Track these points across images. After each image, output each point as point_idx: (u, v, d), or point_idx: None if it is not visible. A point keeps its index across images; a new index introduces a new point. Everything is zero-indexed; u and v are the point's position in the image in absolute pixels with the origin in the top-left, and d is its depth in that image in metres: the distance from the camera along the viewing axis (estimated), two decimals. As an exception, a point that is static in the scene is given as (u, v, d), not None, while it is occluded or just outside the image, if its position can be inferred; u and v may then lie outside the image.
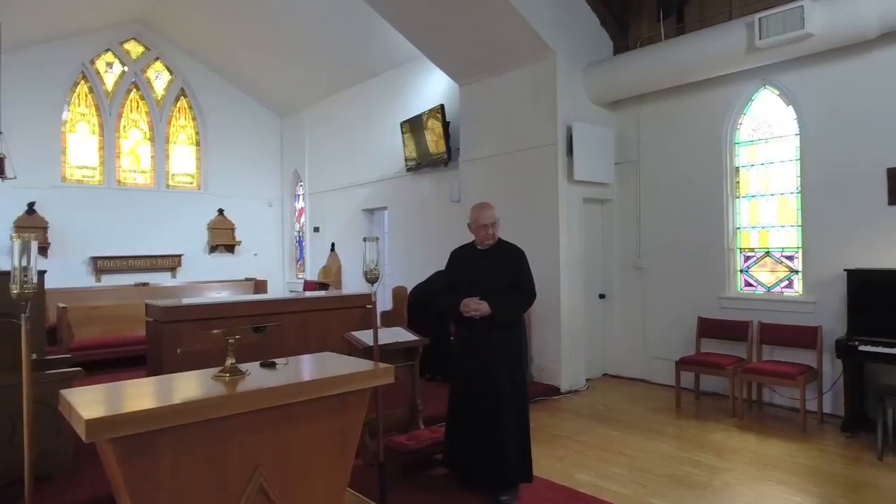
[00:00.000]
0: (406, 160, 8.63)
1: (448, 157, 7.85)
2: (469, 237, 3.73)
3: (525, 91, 6.52)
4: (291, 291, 10.81)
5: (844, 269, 4.85)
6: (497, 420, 3.39)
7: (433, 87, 8.43)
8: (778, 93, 5.61)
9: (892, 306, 4.49)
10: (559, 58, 6.22)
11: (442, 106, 7.86)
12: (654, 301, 6.47)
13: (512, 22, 6.01)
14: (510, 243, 3.69)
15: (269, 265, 11.98)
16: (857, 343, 4.51)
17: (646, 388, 6.20)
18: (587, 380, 6.41)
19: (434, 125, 7.98)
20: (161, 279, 10.31)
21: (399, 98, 9.11)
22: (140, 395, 2.16)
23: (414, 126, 8.36)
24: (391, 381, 2.64)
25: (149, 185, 11.03)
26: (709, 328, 5.81)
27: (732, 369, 5.21)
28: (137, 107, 10.96)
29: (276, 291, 11.14)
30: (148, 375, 4.20)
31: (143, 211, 10.68)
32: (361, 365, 2.70)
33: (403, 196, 9.01)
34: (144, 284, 9.21)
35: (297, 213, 12.30)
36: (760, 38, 5.06)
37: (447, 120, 7.80)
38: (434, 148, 8.06)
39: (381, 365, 2.69)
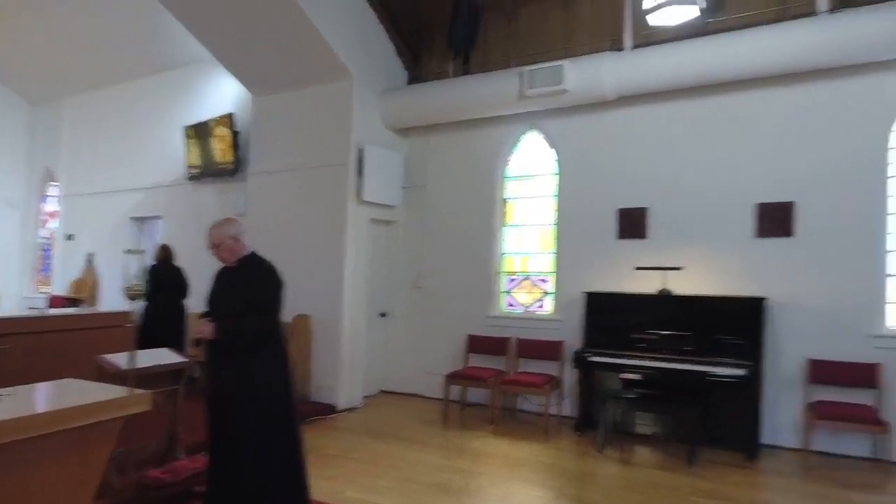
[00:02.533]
0: (188, 167, 8.03)
1: (236, 168, 7.49)
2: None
3: (321, 109, 6.56)
4: (30, 308, 9.19)
5: (583, 292, 5.74)
6: (227, 454, 3.15)
7: (223, 94, 8.00)
8: (543, 136, 6.46)
9: (615, 323, 5.43)
10: (355, 80, 6.39)
11: (231, 114, 7.51)
12: (431, 319, 6.90)
13: (311, 40, 6.03)
14: (261, 260, 3.34)
15: (1, 277, 10.07)
16: (588, 354, 5.35)
17: (419, 403, 6.56)
18: (364, 397, 6.56)
19: (223, 133, 7.57)
20: None
21: (183, 101, 8.45)
22: None
23: (200, 132, 7.83)
24: (147, 408, 2.45)
25: None
26: (476, 344, 6.39)
27: (493, 381, 5.79)
28: None
29: (8, 308, 9.32)
30: None
31: None
32: (111, 392, 2.46)
33: (182, 205, 8.33)
34: None
35: (45, 217, 10.59)
36: (529, 88, 5.82)
37: (237, 129, 7.47)
38: (221, 157, 7.64)
39: (136, 391, 2.49)
